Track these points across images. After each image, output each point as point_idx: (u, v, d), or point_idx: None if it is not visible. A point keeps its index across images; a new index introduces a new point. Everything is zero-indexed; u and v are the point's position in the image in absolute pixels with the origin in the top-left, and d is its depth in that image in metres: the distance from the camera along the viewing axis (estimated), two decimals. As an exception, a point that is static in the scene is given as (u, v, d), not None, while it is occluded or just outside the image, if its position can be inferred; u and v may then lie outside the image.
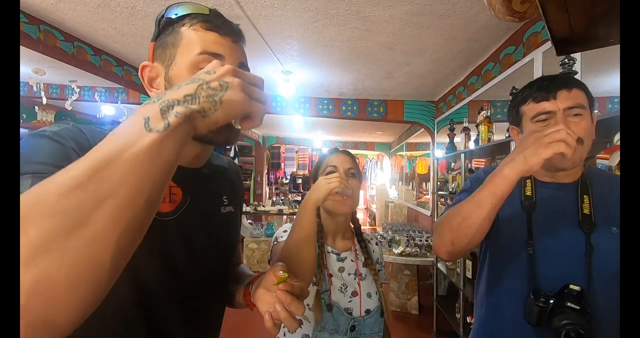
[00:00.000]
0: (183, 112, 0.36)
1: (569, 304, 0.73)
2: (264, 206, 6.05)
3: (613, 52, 0.60)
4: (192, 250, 0.60)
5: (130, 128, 0.35)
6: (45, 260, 0.28)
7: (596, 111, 1.54)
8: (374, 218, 8.58)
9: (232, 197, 0.73)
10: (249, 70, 0.57)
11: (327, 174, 0.91)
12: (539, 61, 1.86)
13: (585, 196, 0.84)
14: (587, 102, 0.81)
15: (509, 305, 0.87)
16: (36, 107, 4.93)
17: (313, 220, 0.71)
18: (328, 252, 0.99)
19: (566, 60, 1.32)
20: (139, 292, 0.54)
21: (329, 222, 1.00)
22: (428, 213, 4.25)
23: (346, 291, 0.95)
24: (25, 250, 0.28)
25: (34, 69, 3.43)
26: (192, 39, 0.54)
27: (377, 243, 1.11)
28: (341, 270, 0.97)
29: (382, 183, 8.75)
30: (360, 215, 11.46)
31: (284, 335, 0.94)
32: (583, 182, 0.85)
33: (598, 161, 1.26)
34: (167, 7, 0.57)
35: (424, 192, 5.97)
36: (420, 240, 3.43)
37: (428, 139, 4.25)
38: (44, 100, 3.92)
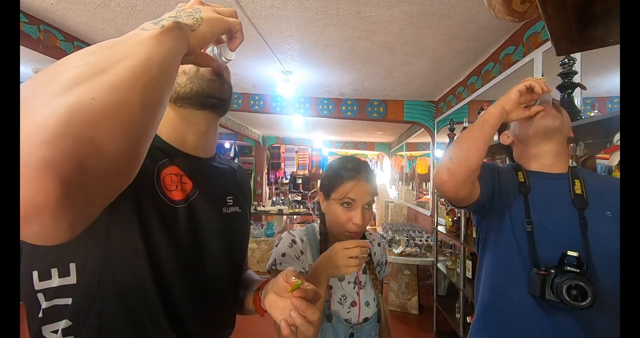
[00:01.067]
0: (172, 19, 0.40)
1: (568, 268, 0.76)
2: (264, 206, 6.05)
3: (613, 52, 0.60)
4: (201, 241, 0.60)
5: (128, 34, 0.37)
6: (79, 90, 0.30)
7: (596, 111, 1.54)
8: (374, 218, 8.58)
9: (239, 199, 0.72)
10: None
11: (343, 206, 0.86)
12: (539, 61, 1.86)
13: (576, 180, 0.90)
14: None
15: (513, 287, 0.89)
16: (36, 107, 4.93)
17: (324, 292, 0.72)
18: None
19: (566, 60, 1.32)
20: (156, 272, 0.54)
21: (332, 230, 0.94)
22: (428, 213, 4.25)
23: (345, 302, 0.93)
24: (56, 86, 0.30)
25: (34, 69, 3.43)
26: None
27: (379, 244, 1.07)
28: (340, 279, 0.95)
29: (382, 183, 8.76)
30: (360, 215, 11.42)
31: None
32: (573, 172, 0.92)
33: (598, 161, 1.26)
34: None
35: (424, 192, 5.97)
36: (420, 240, 3.43)
37: (428, 139, 4.25)
38: (44, 100, 3.92)
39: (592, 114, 1.38)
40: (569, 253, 0.77)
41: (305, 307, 0.51)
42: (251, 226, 4.09)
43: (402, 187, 6.64)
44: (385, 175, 9.57)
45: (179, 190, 0.57)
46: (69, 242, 0.47)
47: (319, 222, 0.99)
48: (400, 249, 3.34)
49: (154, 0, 1.99)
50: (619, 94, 0.46)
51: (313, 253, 0.94)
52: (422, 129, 4.31)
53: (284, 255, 0.91)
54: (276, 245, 0.94)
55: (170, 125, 0.60)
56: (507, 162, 1.07)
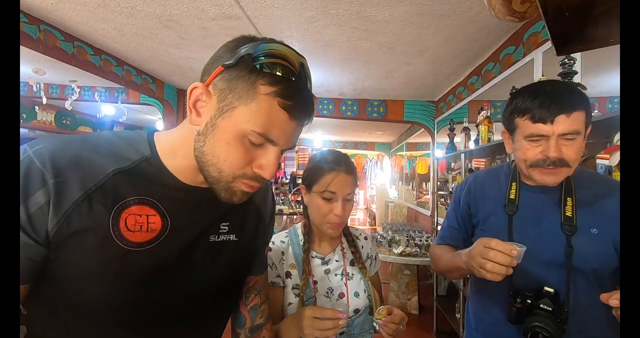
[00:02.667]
0: None
1: (542, 305, 0.76)
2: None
3: (613, 52, 0.60)
4: (168, 282, 0.55)
5: None
6: None
7: (596, 111, 1.54)
8: (374, 218, 8.57)
9: (240, 224, 0.65)
10: (291, 145, 0.54)
11: (324, 198, 0.88)
12: (539, 61, 1.86)
13: (568, 198, 0.85)
14: (585, 122, 0.80)
15: (494, 306, 0.91)
16: (36, 107, 4.93)
17: None
18: (312, 257, 0.95)
19: (566, 60, 1.32)
20: (114, 324, 0.52)
21: (314, 221, 0.95)
22: (428, 213, 4.24)
23: (332, 295, 0.92)
24: None
25: (34, 69, 3.43)
26: (261, 112, 0.48)
27: (365, 238, 1.07)
28: (327, 272, 0.94)
29: (382, 183, 8.75)
30: (360, 215, 11.46)
31: None
32: (567, 185, 0.86)
33: (598, 161, 1.26)
34: (259, 44, 0.49)
35: (424, 192, 5.96)
36: (420, 240, 3.43)
37: (428, 139, 4.25)
38: (44, 100, 3.92)
39: (592, 114, 1.38)
40: (546, 289, 0.78)
41: None
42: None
43: (402, 187, 6.63)
44: (385, 175, 9.57)
45: (142, 231, 0.51)
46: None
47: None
48: (400, 249, 3.34)
49: (154, 0, 1.99)
50: (619, 94, 0.46)
51: (295, 250, 0.95)
52: (422, 129, 4.31)
53: (273, 265, 0.92)
54: None
55: (178, 150, 0.55)
56: (507, 161, 1.06)
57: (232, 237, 0.63)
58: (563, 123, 0.77)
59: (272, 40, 0.51)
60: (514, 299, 0.79)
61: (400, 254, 3.32)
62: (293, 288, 0.91)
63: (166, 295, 0.55)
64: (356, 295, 0.94)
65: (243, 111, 0.48)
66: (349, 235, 1.02)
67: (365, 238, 1.07)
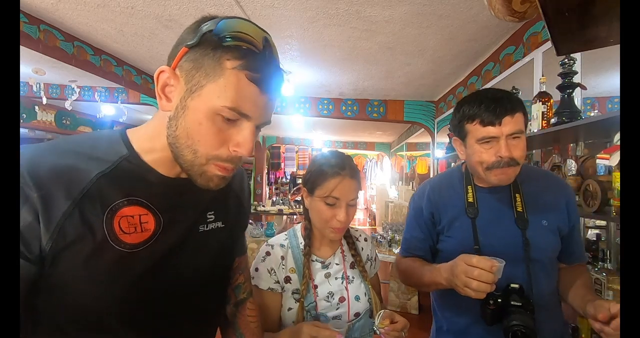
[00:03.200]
0: None
1: (512, 302, 0.81)
2: (264, 206, 6.05)
3: (613, 52, 0.60)
4: (165, 279, 0.55)
5: None
6: None
7: (596, 111, 1.54)
8: (374, 218, 8.57)
9: (224, 211, 0.66)
10: (265, 121, 0.53)
11: (327, 203, 0.86)
12: (539, 61, 1.86)
13: (517, 195, 0.92)
14: (525, 122, 0.88)
15: (465, 308, 0.93)
16: (36, 107, 4.93)
17: None
18: (313, 261, 0.93)
19: (566, 60, 1.32)
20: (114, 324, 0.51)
21: (316, 225, 0.93)
22: (428, 213, 4.24)
23: (333, 299, 0.90)
24: None
25: (34, 69, 3.43)
26: (230, 87, 0.47)
27: (365, 239, 1.05)
28: (327, 276, 0.93)
29: (382, 183, 8.75)
30: (360, 215, 11.46)
31: None
32: (514, 182, 0.92)
33: (598, 161, 1.26)
34: (220, 19, 0.49)
35: (424, 192, 5.95)
36: (420, 240, 3.43)
37: (428, 139, 4.25)
38: (44, 100, 3.92)
39: (592, 114, 1.38)
40: (512, 285, 0.82)
41: None
42: (251, 226, 4.09)
43: (402, 187, 6.64)
44: (385, 175, 9.57)
45: (138, 232, 0.51)
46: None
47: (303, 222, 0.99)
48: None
49: (154, 0, 1.99)
50: (619, 94, 0.46)
51: (295, 254, 0.93)
52: (422, 129, 4.32)
53: (257, 269, 0.90)
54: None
55: (155, 144, 0.54)
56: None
57: (219, 225, 0.64)
58: (509, 124, 0.83)
59: (234, 17, 0.50)
60: (486, 302, 0.81)
61: (400, 254, 3.32)
62: (293, 293, 0.89)
63: (166, 289, 0.56)
64: (357, 298, 0.92)
65: (212, 88, 0.47)
66: (349, 238, 1.00)
67: (365, 239, 1.05)
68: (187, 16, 2.14)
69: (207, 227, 0.62)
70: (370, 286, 0.95)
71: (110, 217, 0.49)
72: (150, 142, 0.54)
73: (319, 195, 0.87)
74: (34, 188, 0.44)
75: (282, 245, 0.94)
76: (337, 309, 0.89)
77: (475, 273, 0.73)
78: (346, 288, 0.92)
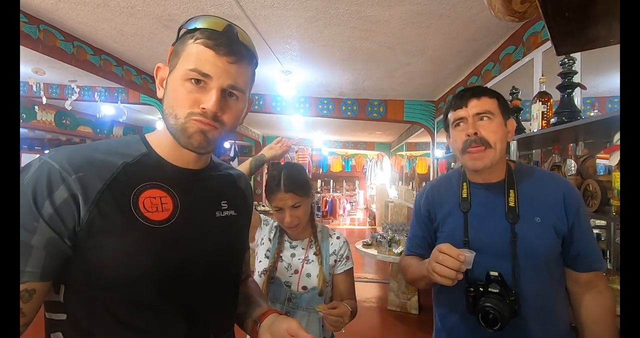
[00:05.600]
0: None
1: (490, 289, 0.84)
2: (264, 206, 6.05)
3: (613, 52, 0.60)
4: (186, 256, 0.62)
5: None
6: None
7: (596, 111, 1.53)
8: (374, 218, 8.57)
9: (235, 202, 0.75)
10: (244, 92, 0.62)
11: (275, 209, 1.14)
12: (539, 61, 1.86)
13: (510, 190, 0.94)
14: (499, 108, 0.93)
15: (456, 305, 0.96)
16: (36, 107, 4.93)
17: None
18: (285, 241, 1.23)
19: (566, 60, 1.32)
20: (138, 296, 0.57)
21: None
22: (428, 213, 4.25)
23: (289, 269, 1.17)
24: None
25: (34, 69, 3.43)
26: (190, 54, 0.58)
27: (338, 237, 1.26)
28: (292, 255, 1.20)
29: (382, 183, 8.75)
30: (360, 215, 11.46)
31: None
32: (509, 179, 0.95)
33: (598, 161, 1.26)
34: (191, 18, 0.61)
35: (424, 192, 5.95)
36: (420, 240, 3.43)
37: (428, 139, 4.25)
38: (44, 100, 3.93)
39: (592, 114, 1.38)
40: (490, 273, 0.85)
41: None
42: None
43: (402, 187, 6.63)
44: (385, 175, 9.57)
45: (160, 211, 0.59)
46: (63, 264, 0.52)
47: None
48: (400, 249, 3.34)
49: (154, 0, 1.99)
50: (619, 94, 0.46)
51: (277, 231, 1.25)
52: (422, 129, 4.32)
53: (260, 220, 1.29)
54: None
55: (167, 142, 0.63)
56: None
57: (232, 213, 0.73)
58: (475, 105, 0.92)
59: (203, 15, 0.61)
60: (468, 290, 0.86)
61: (400, 254, 3.32)
62: (267, 250, 1.21)
63: (193, 265, 0.63)
64: (308, 275, 1.16)
65: (180, 62, 0.59)
66: (321, 233, 1.26)
67: (338, 237, 1.26)
68: (187, 16, 2.12)
69: (222, 213, 0.71)
70: (322, 270, 1.16)
71: (136, 197, 0.57)
72: (161, 139, 0.65)
73: (271, 204, 1.17)
74: (72, 172, 0.53)
75: (274, 223, 1.28)
76: (289, 277, 1.15)
77: (440, 257, 0.78)
78: (302, 265, 1.17)
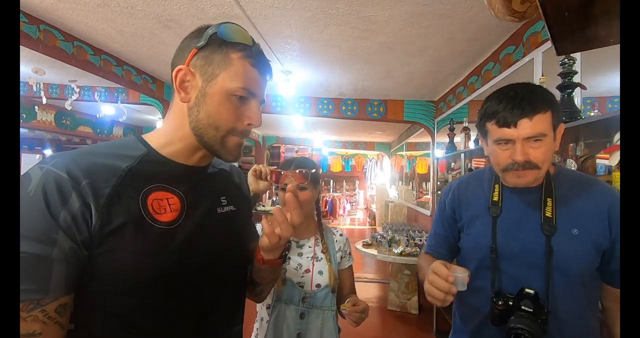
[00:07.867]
0: None
1: (523, 307, 0.77)
2: (264, 206, 6.05)
3: (613, 52, 0.60)
4: (196, 256, 0.63)
5: None
6: None
7: (596, 111, 1.53)
8: (374, 218, 8.57)
9: (233, 197, 0.76)
10: (263, 99, 0.67)
11: (282, 189, 1.11)
12: (539, 61, 1.86)
13: (548, 199, 0.85)
14: (552, 122, 0.80)
15: (479, 309, 0.90)
16: (36, 107, 4.93)
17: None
18: (291, 241, 1.23)
19: (566, 60, 1.32)
20: (158, 279, 0.58)
21: None
22: (428, 213, 4.25)
23: (300, 269, 1.17)
24: None
25: (34, 69, 3.43)
26: (240, 72, 0.61)
27: (341, 234, 1.31)
28: (300, 255, 1.20)
29: (382, 183, 8.74)
30: (360, 215, 11.45)
31: (262, 319, 1.19)
32: (547, 185, 0.86)
33: (598, 161, 1.26)
34: (220, 25, 0.61)
35: (424, 192, 5.96)
36: (420, 240, 3.43)
37: (428, 139, 4.25)
38: (44, 100, 3.92)
39: (592, 114, 1.38)
40: (526, 290, 0.79)
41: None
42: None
43: (402, 187, 6.63)
44: (385, 175, 9.57)
45: (168, 212, 0.60)
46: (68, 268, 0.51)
47: None
48: (400, 249, 3.34)
49: (154, 0, 1.99)
50: (619, 94, 0.46)
51: None
52: (422, 129, 4.31)
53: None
54: None
55: (177, 142, 0.64)
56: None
57: (232, 208, 0.74)
58: (526, 127, 0.78)
59: (227, 22, 0.63)
60: (495, 301, 0.80)
61: (400, 254, 3.32)
62: None
63: (200, 263, 0.63)
64: (320, 273, 1.18)
65: (226, 76, 0.60)
66: (326, 231, 1.28)
67: (341, 234, 1.32)
68: (187, 16, 2.14)
69: (222, 209, 0.72)
70: (331, 267, 1.19)
71: (144, 200, 0.58)
72: (167, 138, 0.65)
73: (279, 186, 1.16)
74: (80, 179, 0.53)
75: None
76: (301, 277, 1.16)
77: (430, 277, 0.72)
78: (313, 264, 1.19)
